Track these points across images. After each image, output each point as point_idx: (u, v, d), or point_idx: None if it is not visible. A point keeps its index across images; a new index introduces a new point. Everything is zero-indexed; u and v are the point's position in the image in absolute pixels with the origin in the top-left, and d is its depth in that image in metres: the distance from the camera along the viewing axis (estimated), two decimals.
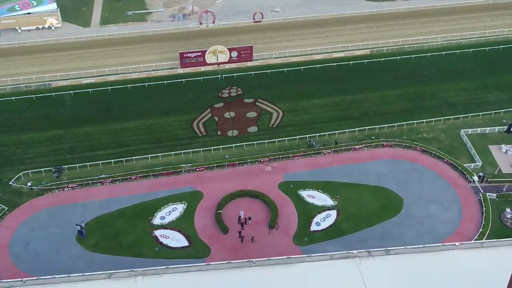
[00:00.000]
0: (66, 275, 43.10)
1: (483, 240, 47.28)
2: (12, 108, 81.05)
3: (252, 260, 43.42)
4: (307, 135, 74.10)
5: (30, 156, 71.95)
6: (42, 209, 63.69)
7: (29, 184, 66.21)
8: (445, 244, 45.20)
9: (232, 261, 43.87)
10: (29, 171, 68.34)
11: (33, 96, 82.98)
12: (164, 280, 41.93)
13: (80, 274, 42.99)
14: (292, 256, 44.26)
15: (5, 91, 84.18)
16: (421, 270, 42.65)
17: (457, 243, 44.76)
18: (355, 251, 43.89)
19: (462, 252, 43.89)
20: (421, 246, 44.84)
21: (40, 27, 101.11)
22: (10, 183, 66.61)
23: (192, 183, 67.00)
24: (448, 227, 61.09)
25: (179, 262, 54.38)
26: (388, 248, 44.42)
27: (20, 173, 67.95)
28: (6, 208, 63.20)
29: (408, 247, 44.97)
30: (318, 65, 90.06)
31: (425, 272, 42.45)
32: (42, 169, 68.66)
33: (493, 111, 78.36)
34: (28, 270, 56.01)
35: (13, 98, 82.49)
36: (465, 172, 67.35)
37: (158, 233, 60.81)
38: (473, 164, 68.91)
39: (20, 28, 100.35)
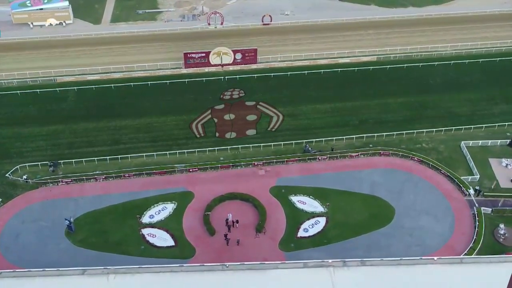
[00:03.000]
0: (41, 269, 43.58)
1: (463, 256, 46.24)
2: (16, 102, 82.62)
3: (225, 264, 43.30)
4: (304, 140, 73.53)
5: (29, 149, 73.19)
6: (35, 202, 64.65)
7: (24, 177, 67.30)
8: (423, 258, 44.25)
9: (205, 264, 43.84)
10: (26, 164, 69.46)
11: (38, 90, 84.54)
12: (135, 279, 42.13)
13: (55, 269, 43.45)
14: (265, 262, 43.98)
15: (12, 85, 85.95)
16: (395, 284, 41.91)
17: (435, 258, 43.85)
18: (330, 260, 43.38)
19: (440, 267, 42.95)
20: (398, 258, 44.02)
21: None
22: (7, 175, 67.80)
23: (184, 184, 67.19)
24: (438, 240, 59.90)
25: (163, 262, 55.09)
26: (364, 259, 43.77)
27: (17, 166, 69.12)
28: (0, 200, 64.35)
29: (384, 259, 44.25)
30: (323, 70, 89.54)
31: (399, 285, 41.70)
32: (39, 163, 69.74)
33: (497, 124, 76.58)
34: (15, 262, 56.85)
35: (18, 92, 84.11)
36: (461, 185, 65.99)
37: (145, 231, 61.13)
38: (470, 177, 67.47)
39: (32, 23, 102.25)
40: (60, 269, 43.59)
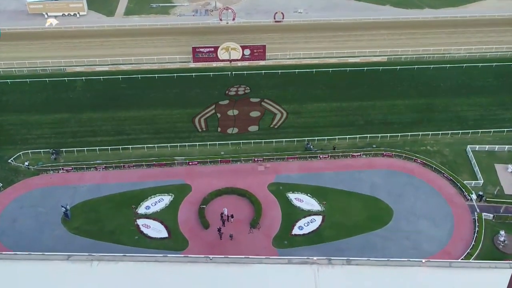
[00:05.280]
0: (27, 253, 43.94)
1: (452, 260, 45.10)
2: (25, 90, 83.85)
3: (209, 256, 43.02)
4: (306, 138, 72.80)
5: (34, 136, 74.07)
6: (34, 189, 65.28)
7: (26, 163, 68.08)
8: (411, 260, 43.23)
9: (189, 255, 43.67)
10: (29, 151, 70.26)
11: (47, 79, 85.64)
12: (118, 267, 42.11)
13: (40, 253, 43.71)
14: (249, 256, 43.52)
15: (22, 73, 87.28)
16: (379, 284, 41.06)
17: (423, 260, 42.80)
18: (314, 258, 42.71)
19: (427, 270, 41.93)
20: (385, 259, 43.11)
21: (66, 13, 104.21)
22: (9, 161, 68.69)
23: (183, 176, 67.13)
24: (436, 245, 58.56)
25: (155, 253, 54.99)
26: (350, 258, 42.99)
27: (21, 152, 69.94)
28: (1, 185, 65.21)
29: (371, 259, 43.37)
30: (331, 69, 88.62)
31: (383, 286, 40.87)
32: (42, 150, 70.47)
33: (505, 129, 74.69)
34: (10, 246, 57.32)
35: (27, 80, 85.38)
36: (463, 190, 64.53)
37: (140, 222, 61.22)
38: (474, 182, 65.85)
39: (47, 14, 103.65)
40: (46, 253, 43.83)
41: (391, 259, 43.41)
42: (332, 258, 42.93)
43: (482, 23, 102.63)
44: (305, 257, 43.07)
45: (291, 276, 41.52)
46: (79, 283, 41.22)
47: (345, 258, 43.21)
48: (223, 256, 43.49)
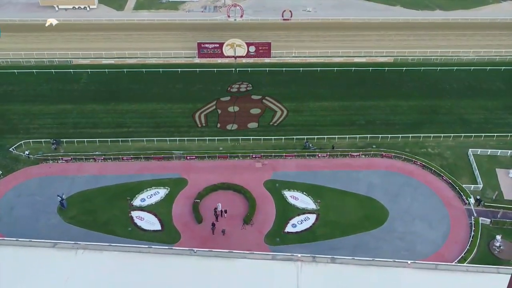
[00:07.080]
0: (15, 239, 44.45)
1: (438, 263, 44.38)
2: (31, 80, 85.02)
3: (193, 249, 43.05)
4: (306, 136, 72.46)
5: (36, 126, 75.02)
6: (33, 178, 66.02)
7: (26, 152, 68.92)
8: (396, 260, 42.73)
9: (174, 248, 43.74)
10: (30, 140, 71.14)
11: (53, 70, 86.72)
12: (102, 256, 42.37)
13: (27, 240, 44.17)
14: (234, 251, 43.41)
15: (29, 64, 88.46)
16: (361, 283, 40.66)
17: (409, 261, 42.24)
18: (299, 255, 42.44)
19: (412, 272, 41.35)
20: (370, 259, 42.66)
21: (77, 6, 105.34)
22: (11, 149, 69.62)
23: (180, 170, 67.34)
24: (430, 247, 57.80)
25: (147, 244, 55.08)
26: (335, 256, 42.62)
27: (22, 141, 70.84)
28: (1, 173, 66.13)
29: (356, 258, 42.94)
30: (336, 68, 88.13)
31: (365, 285, 40.47)
32: (43, 140, 71.28)
33: (509, 134, 73.47)
34: (6, 233, 57.75)
35: (34, 71, 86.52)
36: (462, 193, 63.61)
37: (134, 214, 61.50)
38: (473, 185, 64.88)
39: (57, 6, 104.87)
40: (32, 240, 44.27)
41: (376, 259, 42.92)
42: (316, 255, 42.62)
43: (493, 26, 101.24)
44: (289, 254, 42.82)
45: (273, 272, 41.30)
46: (63, 270, 41.54)
47: (330, 256, 42.85)
48: (207, 249, 43.46)
